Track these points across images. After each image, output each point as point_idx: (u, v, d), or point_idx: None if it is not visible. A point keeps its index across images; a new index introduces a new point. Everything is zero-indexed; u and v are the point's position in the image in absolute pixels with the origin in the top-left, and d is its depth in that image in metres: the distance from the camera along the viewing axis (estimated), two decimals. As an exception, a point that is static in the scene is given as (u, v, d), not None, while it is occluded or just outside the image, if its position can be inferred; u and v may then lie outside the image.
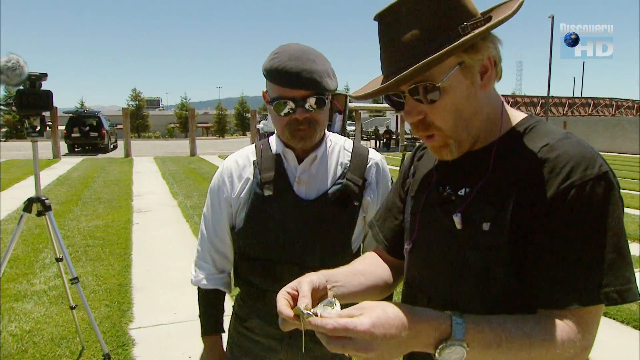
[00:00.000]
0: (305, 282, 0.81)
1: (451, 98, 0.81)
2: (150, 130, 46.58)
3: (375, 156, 1.40)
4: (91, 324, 2.67)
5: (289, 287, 0.81)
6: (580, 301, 0.73)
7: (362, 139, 25.16)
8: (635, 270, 0.77)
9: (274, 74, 1.20)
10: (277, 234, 1.29)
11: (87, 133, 20.91)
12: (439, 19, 0.78)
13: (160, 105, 76.11)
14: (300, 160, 1.32)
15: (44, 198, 2.50)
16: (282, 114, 1.22)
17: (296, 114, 1.21)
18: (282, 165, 1.33)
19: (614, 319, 3.64)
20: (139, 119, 44.25)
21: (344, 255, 1.31)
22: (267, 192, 1.31)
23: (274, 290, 1.31)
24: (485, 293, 0.77)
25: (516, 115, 0.91)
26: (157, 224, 6.86)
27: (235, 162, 1.39)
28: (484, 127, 0.87)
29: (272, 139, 1.39)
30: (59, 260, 2.80)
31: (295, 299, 0.78)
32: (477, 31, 0.76)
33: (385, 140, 27.01)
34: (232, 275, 1.46)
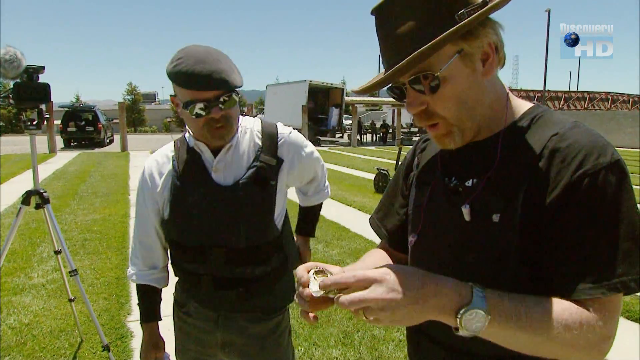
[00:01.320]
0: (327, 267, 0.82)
1: (452, 87, 0.79)
2: (146, 125, 46.35)
3: (284, 131, 1.47)
4: (90, 316, 2.69)
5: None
6: (597, 290, 0.72)
7: (359, 132, 25.11)
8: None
9: (184, 79, 1.23)
10: (200, 220, 1.37)
11: (83, 127, 20.78)
12: (434, 9, 0.77)
13: (157, 99, 75.64)
14: (214, 152, 1.38)
15: (42, 191, 2.51)
16: (197, 115, 1.27)
17: (212, 114, 1.26)
18: (199, 157, 1.40)
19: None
20: (135, 113, 44.02)
21: (268, 233, 1.41)
22: (185, 183, 1.38)
23: (206, 273, 1.41)
24: (495, 285, 0.74)
25: (522, 105, 0.89)
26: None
27: (155, 160, 1.47)
28: (488, 115, 0.86)
29: (187, 135, 1.45)
30: (57, 252, 2.80)
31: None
32: (472, 17, 0.75)
33: (381, 134, 27.00)
34: (166, 269, 1.55)
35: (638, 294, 0.75)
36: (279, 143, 1.43)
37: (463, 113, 0.82)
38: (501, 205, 0.79)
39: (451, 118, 0.82)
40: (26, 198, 2.49)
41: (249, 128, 1.44)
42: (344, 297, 0.69)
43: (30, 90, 2.23)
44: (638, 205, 0.78)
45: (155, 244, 1.48)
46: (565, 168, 0.76)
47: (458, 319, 0.69)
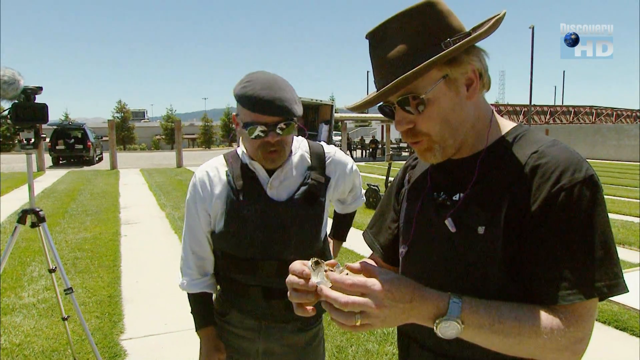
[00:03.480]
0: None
1: (437, 108, 0.86)
2: (135, 142, 46.13)
3: (330, 150, 1.57)
4: (84, 334, 2.69)
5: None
6: (575, 296, 0.78)
7: (348, 148, 25.23)
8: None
9: (248, 101, 1.33)
10: (255, 234, 1.43)
11: (72, 145, 20.68)
12: (423, 36, 0.84)
13: (146, 117, 75.56)
14: (269, 173, 1.46)
15: (38, 209, 2.53)
16: (256, 137, 1.36)
17: (269, 137, 1.35)
18: (253, 174, 1.47)
19: (596, 319, 3.73)
20: (124, 131, 43.77)
21: (315, 246, 1.49)
22: (243, 198, 1.44)
23: (255, 284, 1.46)
24: (481, 296, 0.80)
25: (506, 124, 0.96)
26: (146, 235, 6.84)
27: (207, 172, 1.51)
28: (471, 134, 0.92)
29: (239, 150, 1.51)
30: (52, 271, 2.80)
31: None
32: (455, 46, 0.82)
33: (371, 150, 27.18)
34: (214, 276, 1.58)
35: (638, 307, 0.81)
36: (326, 162, 1.53)
37: (446, 132, 0.89)
38: (486, 218, 0.85)
39: (435, 136, 0.89)
40: (22, 217, 2.51)
41: (298, 148, 1.53)
42: (346, 297, 0.74)
43: (29, 110, 2.27)
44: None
45: (208, 253, 1.53)
46: (544, 183, 0.82)
47: (435, 327, 0.76)
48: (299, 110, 1.38)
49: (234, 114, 1.45)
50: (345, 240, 1.93)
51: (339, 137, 25.90)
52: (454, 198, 0.93)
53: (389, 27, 0.87)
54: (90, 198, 10.29)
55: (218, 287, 1.58)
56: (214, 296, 1.60)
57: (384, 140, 26.59)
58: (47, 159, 19.40)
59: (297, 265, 0.83)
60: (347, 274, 0.78)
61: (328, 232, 1.80)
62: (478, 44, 0.87)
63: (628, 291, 0.81)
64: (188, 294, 1.56)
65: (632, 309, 3.82)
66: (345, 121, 25.66)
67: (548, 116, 39.86)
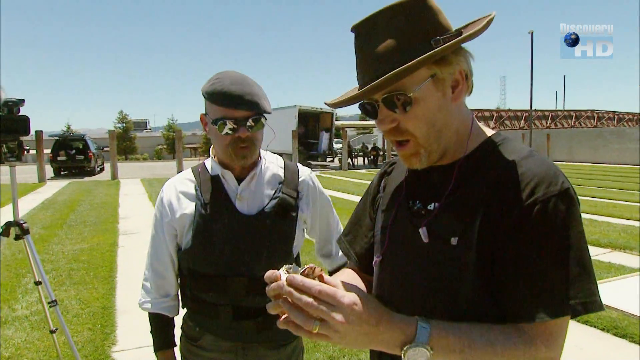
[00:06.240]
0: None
1: (423, 108, 0.83)
2: (137, 152, 46.33)
3: (305, 171, 1.54)
4: (72, 347, 2.66)
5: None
6: (547, 314, 0.75)
7: (349, 156, 25.23)
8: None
9: (217, 97, 1.31)
10: (224, 249, 1.38)
11: (73, 156, 20.75)
12: (413, 32, 0.81)
13: (148, 127, 75.87)
14: (238, 180, 1.42)
15: (22, 222, 2.52)
16: (225, 133, 1.33)
17: (239, 132, 1.33)
18: (222, 186, 1.43)
19: (594, 327, 3.69)
20: (126, 141, 44.00)
21: (287, 262, 1.39)
22: (210, 211, 1.40)
23: (225, 303, 1.39)
24: (453, 307, 0.79)
25: (485, 132, 0.94)
26: (143, 246, 6.74)
27: (174, 186, 1.48)
28: (454, 139, 0.89)
29: (208, 162, 1.48)
30: (38, 283, 2.79)
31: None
32: (447, 44, 0.79)
33: (372, 157, 27.18)
34: (177, 297, 1.53)
35: (637, 314, 0.78)
36: (299, 179, 1.50)
37: (432, 134, 0.85)
38: (460, 229, 0.83)
39: (420, 137, 0.85)
40: (5, 229, 2.50)
41: (272, 162, 1.50)
42: (310, 300, 0.69)
43: (11, 122, 2.27)
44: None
45: (169, 272, 1.48)
46: (519, 195, 0.79)
47: (403, 354, 0.73)
48: (267, 106, 1.37)
49: (202, 113, 1.42)
50: None
51: (340, 145, 25.92)
52: (429, 207, 0.91)
53: (377, 20, 0.82)
54: (90, 209, 10.29)
55: (185, 310, 1.52)
56: (181, 320, 1.54)
57: (385, 147, 26.58)
58: (49, 170, 19.46)
59: (268, 272, 0.78)
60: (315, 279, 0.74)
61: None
62: (464, 46, 0.85)
63: (604, 309, 0.79)
64: (148, 314, 1.51)
65: (632, 315, 3.76)
66: (346, 129, 25.68)
67: (549, 121, 39.80)
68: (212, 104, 1.34)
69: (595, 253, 5.82)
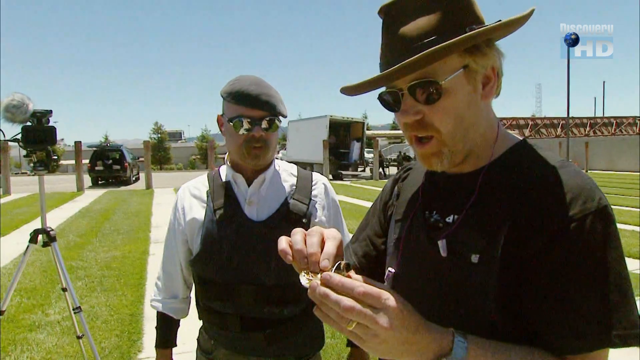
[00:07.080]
0: (331, 240, 0.74)
1: (452, 101, 0.76)
2: (172, 162, 47.50)
3: (319, 178, 1.51)
4: (102, 353, 2.68)
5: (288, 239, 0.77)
6: (587, 347, 0.69)
7: (380, 165, 25.04)
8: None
9: (235, 96, 1.32)
10: (231, 255, 1.35)
11: (110, 166, 21.48)
12: (447, 17, 0.74)
13: (183, 137, 77.84)
14: (249, 184, 1.40)
15: (49, 229, 2.56)
16: (241, 132, 1.33)
17: (253, 132, 1.33)
18: (233, 191, 1.41)
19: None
20: (160, 152, 45.22)
21: (295, 271, 1.35)
22: (219, 217, 1.37)
23: (233, 313, 1.36)
24: (474, 324, 0.72)
25: (511, 139, 0.86)
26: (173, 253, 6.90)
27: (188, 190, 1.49)
28: (479, 142, 0.82)
29: (222, 169, 1.48)
30: (64, 290, 2.84)
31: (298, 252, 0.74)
32: (486, 27, 0.74)
33: (404, 166, 26.84)
34: (187, 300, 1.57)
35: None
36: (313, 185, 1.47)
37: (458, 131, 0.78)
38: (481, 246, 0.76)
39: (445, 134, 0.78)
40: (34, 236, 2.55)
41: (285, 169, 1.49)
42: (351, 302, 0.62)
43: (38, 133, 2.32)
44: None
45: (177, 274, 1.49)
46: (551, 210, 0.72)
47: None
48: (283, 110, 1.37)
49: (219, 114, 1.43)
50: None
51: (371, 155, 25.78)
52: (447, 219, 0.83)
53: (408, 2, 0.76)
54: (124, 217, 10.55)
55: (200, 320, 1.51)
56: (197, 331, 1.55)
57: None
58: (87, 179, 20.13)
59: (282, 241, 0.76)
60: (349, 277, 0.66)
61: None
62: (497, 44, 0.79)
63: None
64: (157, 310, 1.54)
65: None
66: (377, 138, 25.52)
67: (588, 128, 38.45)
68: (229, 103, 1.35)
69: (635, 267, 5.50)
